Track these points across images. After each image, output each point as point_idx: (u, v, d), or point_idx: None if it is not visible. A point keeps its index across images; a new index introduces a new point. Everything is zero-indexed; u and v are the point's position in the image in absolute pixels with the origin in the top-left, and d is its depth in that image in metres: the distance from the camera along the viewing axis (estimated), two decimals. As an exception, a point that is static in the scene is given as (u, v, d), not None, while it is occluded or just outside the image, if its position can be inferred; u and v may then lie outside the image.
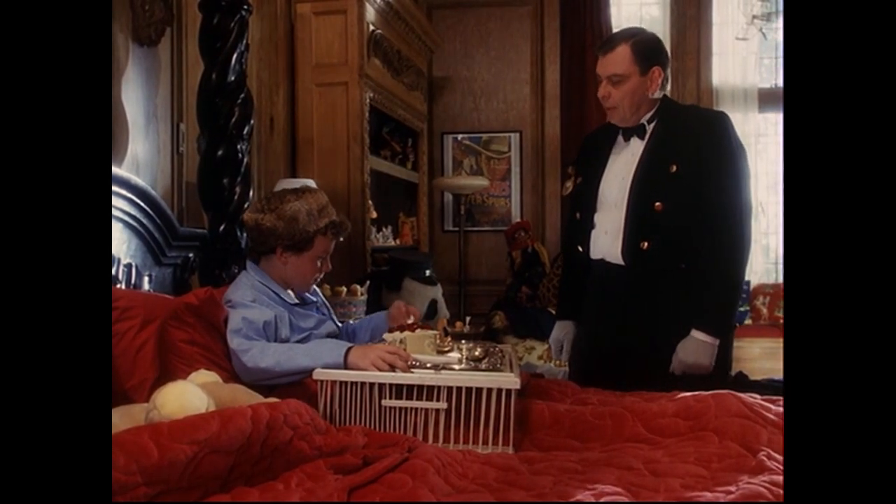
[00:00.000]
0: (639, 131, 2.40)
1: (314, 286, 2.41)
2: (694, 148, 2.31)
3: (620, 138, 2.45)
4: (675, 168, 2.30)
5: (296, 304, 2.29)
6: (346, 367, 1.96)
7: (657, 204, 2.30)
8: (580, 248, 2.52)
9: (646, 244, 2.32)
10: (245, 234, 2.36)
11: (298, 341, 2.20)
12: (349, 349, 2.00)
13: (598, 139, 2.55)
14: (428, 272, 4.34)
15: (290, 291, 2.32)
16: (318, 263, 2.30)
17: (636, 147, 2.40)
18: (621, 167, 2.41)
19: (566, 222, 2.79)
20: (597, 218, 2.45)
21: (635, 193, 2.34)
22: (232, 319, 2.13)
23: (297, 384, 2.03)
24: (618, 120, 2.42)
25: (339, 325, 2.47)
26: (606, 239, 2.41)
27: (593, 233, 2.46)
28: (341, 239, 2.36)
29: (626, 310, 2.39)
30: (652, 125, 2.40)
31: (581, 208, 2.53)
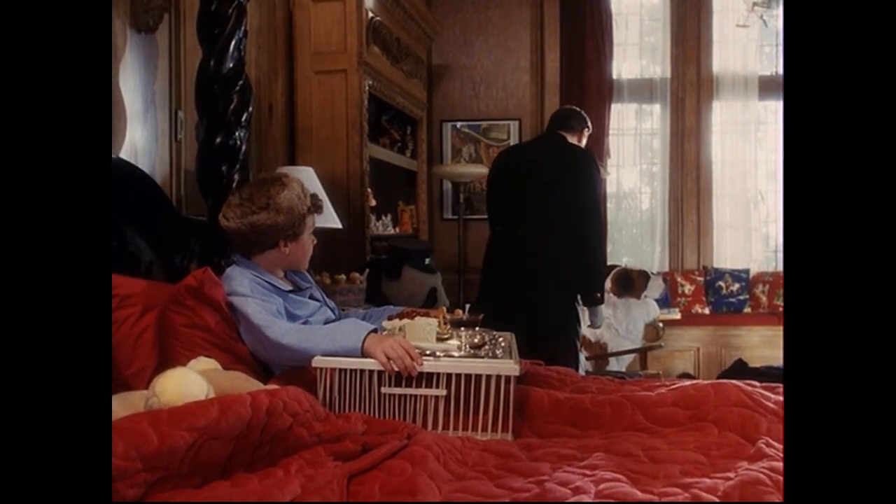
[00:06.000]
0: None
1: (305, 273, 2.43)
2: None
3: None
4: None
5: (290, 292, 2.29)
6: (363, 350, 1.94)
7: None
8: None
9: None
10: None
11: None
12: (369, 333, 1.97)
13: None
14: (427, 260, 4.33)
15: (283, 280, 2.32)
16: (311, 239, 2.35)
17: None
18: None
19: None
20: None
21: None
22: (247, 304, 2.12)
23: (297, 370, 2.03)
24: None
25: (337, 312, 2.45)
26: None
27: None
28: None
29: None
30: None
31: None
